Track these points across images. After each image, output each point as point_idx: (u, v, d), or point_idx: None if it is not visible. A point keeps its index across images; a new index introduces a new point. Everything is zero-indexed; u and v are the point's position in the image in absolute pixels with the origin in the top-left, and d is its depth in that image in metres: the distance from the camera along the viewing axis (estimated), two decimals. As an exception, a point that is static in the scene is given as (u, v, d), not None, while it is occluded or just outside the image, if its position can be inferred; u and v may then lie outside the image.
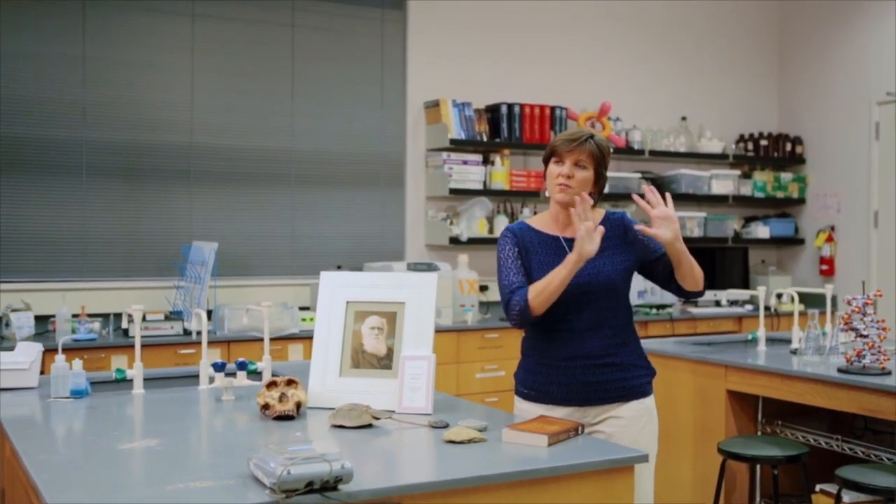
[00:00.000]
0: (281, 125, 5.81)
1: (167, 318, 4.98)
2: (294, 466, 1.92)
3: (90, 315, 4.93)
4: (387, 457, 2.48)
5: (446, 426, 2.60)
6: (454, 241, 5.97)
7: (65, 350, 3.11)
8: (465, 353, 5.58)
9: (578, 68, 6.75)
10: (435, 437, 2.52)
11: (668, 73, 7.13)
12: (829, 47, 7.18)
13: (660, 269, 3.00)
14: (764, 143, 7.26)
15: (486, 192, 6.11)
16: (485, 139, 6.13)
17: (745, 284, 6.97)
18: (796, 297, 4.63)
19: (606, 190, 3.02)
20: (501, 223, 6.05)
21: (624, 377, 2.95)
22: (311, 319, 4.99)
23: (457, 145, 6.04)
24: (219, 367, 3.12)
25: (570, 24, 6.73)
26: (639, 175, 6.65)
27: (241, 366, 3.21)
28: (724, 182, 7.00)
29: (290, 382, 2.80)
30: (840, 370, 3.83)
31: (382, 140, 6.12)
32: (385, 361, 2.93)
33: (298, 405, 2.76)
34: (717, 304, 6.70)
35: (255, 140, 5.73)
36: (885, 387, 3.57)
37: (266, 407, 2.76)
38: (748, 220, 7.33)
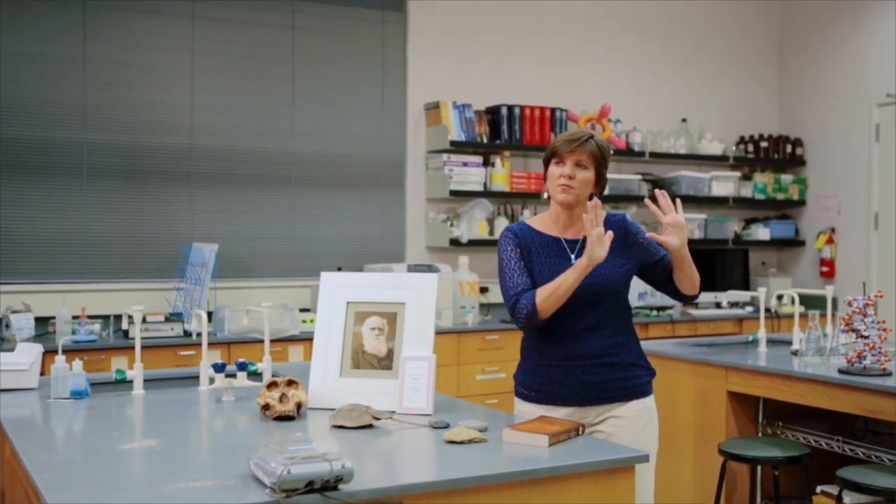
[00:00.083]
0: (281, 127, 5.81)
1: (167, 320, 4.98)
2: (294, 466, 1.92)
3: (90, 317, 4.94)
4: (387, 457, 2.48)
5: (447, 426, 2.59)
6: (454, 242, 5.97)
7: (65, 351, 3.10)
8: (466, 355, 5.58)
9: (579, 70, 6.75)
10: (435, 438, 2.51)
11: (668, 74, 7.13)
12: (830, 49, 7.18)
13: (658, 273, 3.02)
14: (764, 144, 7.26)
15: (487, 193, 6.11)
16: (485, 141, 6.13)
17: (746, 286, 6.97)
18: (797, 299, 4.63)
19: (606, 192, 3.02)
20: (502, 225, 6.05)
21: (624, 377, 2.95)
22: (312, 321, 4.99)
23: (457, 147, 6.04)
24: (219, 368, 3.12)
25: (570, 26, 6.74)
26: (639, 177, 6.65)
27: (242, 366, 3.20)
28: (724, 184, 7.00)
29: (290, 383, 2.80)
30: (841, 371, 3.83)
31: (383, 142, 6.12)
32: (385, 362, 2.93)
33: (299, 405, 2.76)
34: (718, 305, 6.70)
35: (256, 142, 5.73)
36: (886, 388, 3.57)
37: (266, 407, 2.76)
38: (748, 222, 7.32)
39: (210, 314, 5.07)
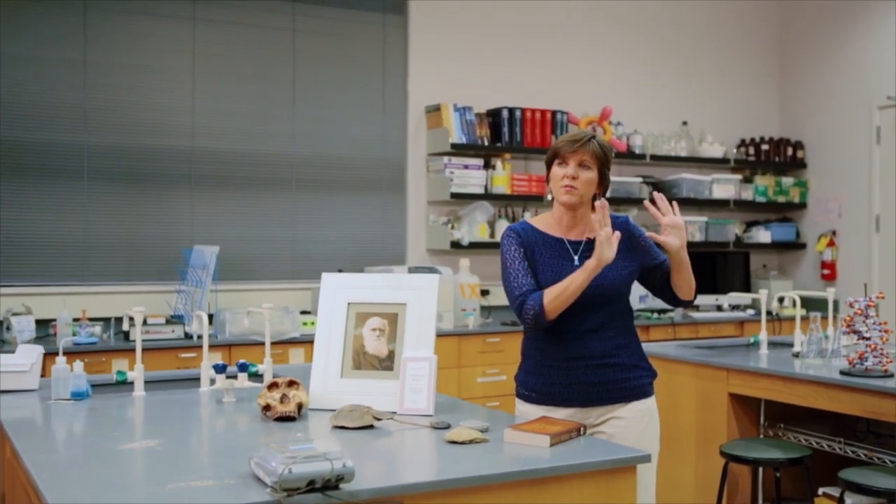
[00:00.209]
0: (282, 129, 5.81)
1: (168, 322, 4.97)
2: (295, 465, 1.91)
3: (91, 319, 4.93)
4: (388, 457, 2.47)
5: (448, 427, 2.59)
6: (455, 245, 5.97)
7: (65, 353, 3.10)
8: (467, 358, 5.57)
9: (579, 72, 6.75)
10: (436, 438, 2.51)
11: (668, 77, 7.14)
12: (830, 51, 7.18)
13: (657, 277, 3.03)
14: (765, 147, 7.26)
15: (488, 196, 6.10)
16: (486, 143, 6.13)
17: (747, 289, 6.96)
18: (798, 301, 4.62)
19: (607, 194, 3.03)
20: (502, 227, 6.03)
21: (625, 378, 2.95)
22: (312, 323, 4.98)
23: (458, 149, 6.04)
24: (220, 369, 3.11)
25: (571, 29, 6.74)
26: (640, 179, 6.65)
27: (242, 367, 3.20)
28: (725, 186, 7.00)
29: (291, 384, 2.79)
30: (842, 373, 3.82)
31: (383, 144, 6.12)
32: (386, 363, 2.92)
33: (300, 406, 2.76)
34: (719, 308, 6.69)
35: (256, 144, 5.73)
36: (888, 389, 3.56)
37: (267, 408, 2.75)
38: (749, 225, 7.32)
39: (211, 316, 5.07)
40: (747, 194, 7.11)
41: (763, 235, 7.17)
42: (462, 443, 2.42)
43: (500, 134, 6.17)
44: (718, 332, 6.36)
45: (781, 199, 7.25)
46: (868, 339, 3.79)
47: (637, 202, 6.54)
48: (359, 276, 3.14)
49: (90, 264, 5.28)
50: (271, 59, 5.81)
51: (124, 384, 3.21)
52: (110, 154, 5.34)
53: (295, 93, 5.86)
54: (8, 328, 4.75)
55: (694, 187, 6.84)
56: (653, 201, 2.94)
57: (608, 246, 2.77)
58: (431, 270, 5.55)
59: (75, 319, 4.88)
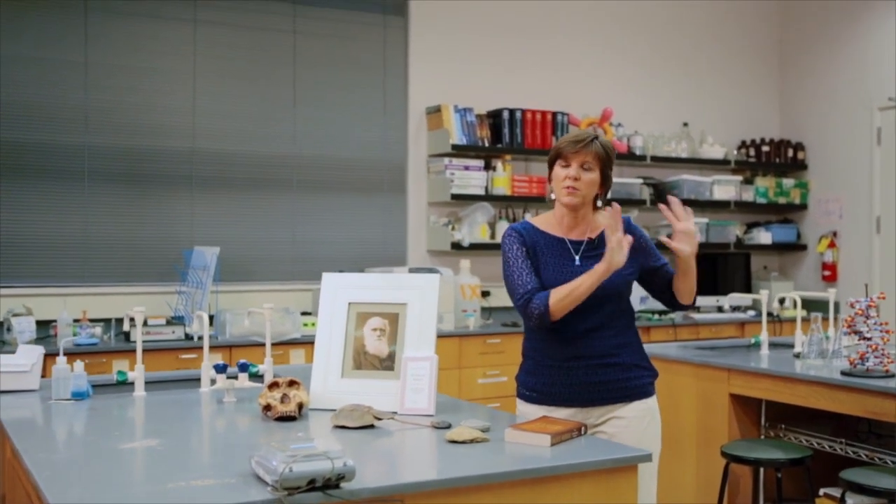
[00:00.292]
0: (283, 131, 5.81)
1: (168, 323, 4.98)
2: (296, 464, 1.91)
3: (91, 320, 4.93)
4: (389, 456, 2.47)
5: (449, 426, 2.59)
6: (456, 246, 5.97)
7: (66, 354, 3.10)
8: (467, 359, 5.57)
9: (580, 74, 6.75)
10: (437, 437, 2.51)
11: (669, 78, 7.14)
12: (831, 53, 7.18)
13: (656, 279, 3.03)
14: (765, 148, 7.26)
15: (488, 197, 6.10)
16: (486, 144, 6.13)
17: (748, 290, 6.95)
18: (799, 302, 4.62)
19: (608, 195, 3.03)
20: (503, 229, 6.01)
21: (626, 377, 2.95)
22: (313, 324, 4.98)
23: (458, 151, 6.04)
24: (220, 369, 3.11)
25: (571, 30, 6.74)
26: (640, 181, 6.64)
27: (243, 367, 3.20)
28: (725, 188, 7.00)
29: (291, 383, 2.79)
30: (843, 373, 3.82)
31: (384, 145, 6.12)
32: (387, 363, 2.92)
33: (300, 406, 2.75)
34: (720, 309, 6.68)
35: (257, 145, 5.73)
36: (889, 389, 3.56)
37: (268, 408, 2.75)
38: (750, 226, 7.32)
39: (211, 318, 5.07)
40: (748, 195, 7.11)
41: (764, 237, 7.17)
42: (463, 442, 2.42)
43: (500, 135, 6.17)
44: (719, 334, 6.35)
45: (782, 200, 7.25)
46: (869, 339, 3.79)
47: (638, 203, 6.54)
48: (359, 275, 3.14)
49: (91, 265, 5.28)
50: (272, 60, 5.81)
51: (125, 384, 3.21)
52: (111, 155, 5.34)
53: (296, 94, 5.86)
54: (8, 329, 4.75)
55: (694, 188, 6.84)
56: (658, 201, 2.93)
57: (619, 251, 2.77)
58: (432, 271, 5.55)
59: (76, 320, 4.88)
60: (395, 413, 2.76)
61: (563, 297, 2.82)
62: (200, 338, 4.10)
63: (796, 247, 7.33)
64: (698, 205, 6.86)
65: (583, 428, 2.59)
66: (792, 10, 7.53)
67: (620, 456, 2.37)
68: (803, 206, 7.33)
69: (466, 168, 6.07)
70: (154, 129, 5.46)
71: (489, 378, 5.59)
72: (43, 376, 3.32)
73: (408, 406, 2.79)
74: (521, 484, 2.21)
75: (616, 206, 2.78)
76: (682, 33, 7.21)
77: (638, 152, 6.67)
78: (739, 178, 7.12)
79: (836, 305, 4.61)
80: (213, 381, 3.17)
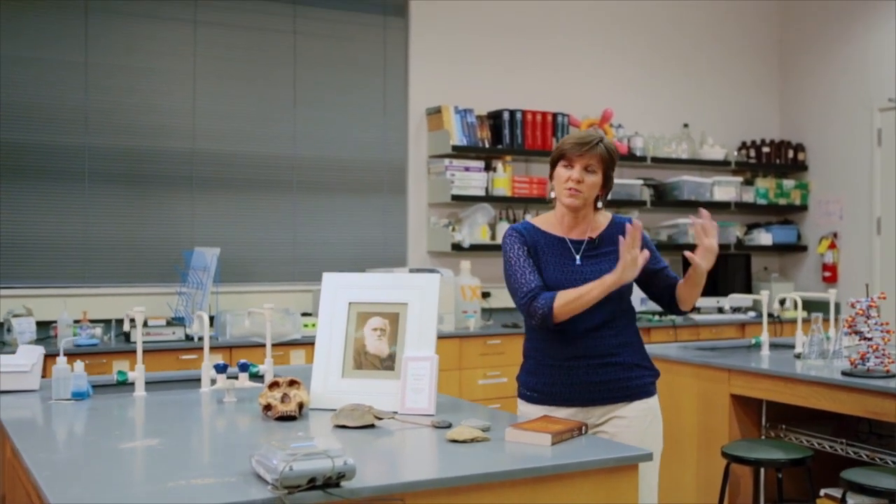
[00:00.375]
0: (283, 131, 5.81)
1: (169, 324, 4.97)
2: (296, 462, 1.91)
3: (92, 321, 4.92)
4: (389, 455, 2.47)
5: (449, 426, 2.58)
6: (456, 247, 5.97)
7: (66, 355, 3.10)
8: (468, 360, 5.56)
9: (580, 75, 6.75)
10: (438, 437, 2.51)
11: (669, 79, 7.14)
12: (831, 54, 7.18)
13: (656, 281, 3.03)
14: (766, 149, 7.26)
15: (489, 198, 6.10)
16: (487, 146, 6.13)
17: (748, 291, 6.94)
18: (800, 303, 4.62)
19: (608, 196, 3.04)
20: (503, 230, 6.00)
21: (627, 377, 2.95)
22: (313, 325, 4.98)
23: (459, 152, 6.04)
24: (221, 369, 3.11)
25: (571, 31, 6.74)
26: (641, 182, 6.64)
27: (243, 367, 3.20)
28: (726, 189, 7.00)
29: (292, 383, 2.79)
30: (844, 373, 3.82)
31: (384, 146, 6.12)
32: (387, 362, 2.92)
33: (301, 406, 2.75)
34: (720, 310, 6.68)
35: (257, 146, 5.73)
36: (890, 389, 3.55)
37: (268, 407, 2.75)
38: (750, 227, 7.32)
39: (211, 319, 5.06)
40: (748, 197, 7.11)
41: (764, 238, 7.17)
42: (463, 441, 2.42)
43: (500, 136, 6.17)
44: (719, 335, 6.34)
45: (782, 201, 7.24)
46: (870, 339, 3.79)
47: (637, 204, 6.54)
48: (360, 275, 3.13)
49: (91, 266, 5.28)
50: (272, 61, 5.81)
51: (125, 385, 3.21)
52: (111, 156, 5.34)
53: (296, 95, 5.86)
54: (9, 330, 4.75)
55: (695, 190, 6.83)
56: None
57: (632, 268, 2.77)
58: (432, 272, 5.54)
59: (76, 321, 4.87)
60: (396, 413, 2.76)
61: (569, 301, 2.82)
62: (201, 338, 4.10)
63: (797, 248, 7.33)
64: (698, 206, 6.82)
65: (583, 427, 2.59)
66: (792, 11, 7.53)
67: (621, 455, 2.37)
68: (804, 207, 7.33)
69: (467, 169, 6.06)
70: (154, 130, 5.46)
71: (489, 379, 5.58)
72: (43, 377, 3.32)
73: (408, 406, 2.79)
74: (521, 483, 2.20)
75: (637, 222, 2.78)
76: (683, 34, 7.21)
77: (638, 153, 6.67)
78: (740, 179, 7.12)
79: (837, 306, 4.61)
80: (213, 382, 3.17)
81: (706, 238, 2.86)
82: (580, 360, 2.92)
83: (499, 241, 5.98)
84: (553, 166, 2.96)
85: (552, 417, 2.70)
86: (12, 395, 3.13)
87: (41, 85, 5.19)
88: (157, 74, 5.49)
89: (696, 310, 6.54)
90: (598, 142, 2.90)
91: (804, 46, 7.42)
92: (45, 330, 4.90)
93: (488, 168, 6.16)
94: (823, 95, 7.25)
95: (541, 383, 2.98)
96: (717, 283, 6.78)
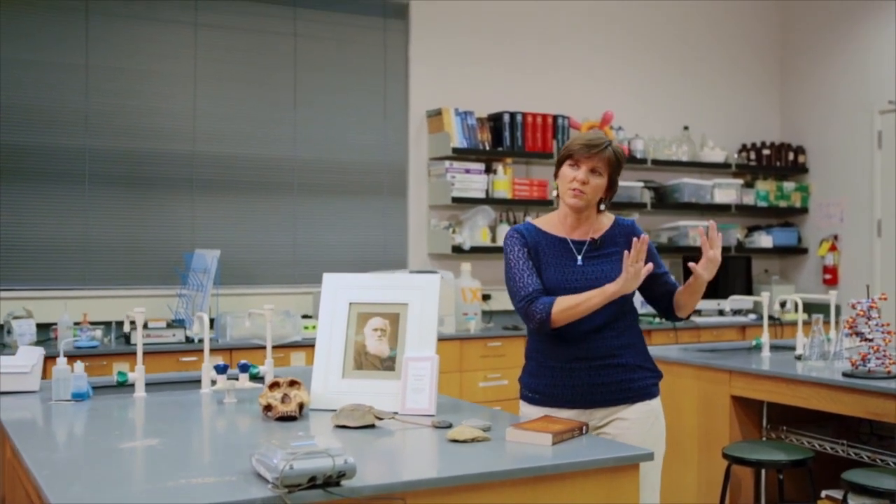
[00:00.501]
0: (283, 134, 5.81)
1: (169, 326, 4.97)
2: (297, 461, 1.91)
3: (92, 323, 4.92)
4: (390, 455, 2.46)
5: (450, 426, 2.58)
6: (457, 249, 5.96)
7: (66, 356, 3.09)
8: (468, 362, 5.56)
9: (580, 77, 6.76)
10: (438, 437, 2.50)
11: (669, 82, 7.14)
12: (831, 56, 7.18)
13: (655, 286, 3.02)
14: (766, 152, 7.26)
15: (489, 200, 6.10)
16: (487, 148, 6.13)
17: (749, 294, 6.93)
18: (800, 304, 4.62)
19: (612, 199, 3.04)
20: (504, 232, 6.00)
21: (629, 378, 2.94)
22: (314, 327, 4.96)
23: (459, 154, 6.04)
24: (221, 370, 3.10)
25: (572, 34, 6.74)
26: (641, 184, 6.64)
27: (244, 368, 3.19)
28: (726, 191, 6.99)
29: (292, 383, 2.78)
30: (845, 374, 3.81)
31: (385, 149, 6.12)
32: (388, 363, 2.92)
33: (301, 406, 2.75)
34: (721, 312, 6.67)
35: (258, 148, 5.73)
36: (891, 390, 3.55)
37: (268, 408, 2.74)
38: (751, 230, 7.31)
39: (212, 321, 5.06)
40: (749, 199, 7.10)
41: (765, 240, 7.16)
42: (464, 441, 2.41)
43: (501, 138, 6.17)
44: (720, 337, 6.34)
45: (783, 203, 7.24)
46: (871, 340, 3.78)
47: (638, 207, 6.54)
48: (360, 276, 3.12)
49: (91, 268, 5.28)
50: (272, 63, 5.81)
51: (125, 386, 3.21)
52: (112, 158, 5.34)
53: (296, 97, 5.86)
54: (9, 332, 4.75)
55: (695, 192, 6.83)
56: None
57: (635, 279, 2.77)
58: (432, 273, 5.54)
59: (76, 323, 4.87)
60: (396, 413, 2.75)
61: (568, 308, 2.82)
62: (201, 340, 4.09)
63: (797, 250, 7.33)
64: (699, 208, 6.86)
65: (584, 427, 2.59)
66: (792, 14, 7.54)
67: (622, 455, 2.37)
68: (804, 210, 7.32)
69: (467, 171, 6.06)
70: (155, 133, 5.46)
71: (490, 381, 5.58)
72: (43, 378, 3.31)
73: (409, 406, 2.79)
74: (522, 483, 2.20)
75: (645, 236, 2.79)
76: (683, 37, 7.22)
77: (639, 156, 6.67)
78: (740, 181, 7.12)
79: (838, 308, 4.61)
80: (213, 382, 3.17)
81: (711, 249, 2.86)
82: (581, 361, 2.92)
83: (499, 243, 6.00)
84: (559, 165, 2.96)
85: (553, 417, 2.70)
86: (12, 396, 3.12)
87: (42, 87, 5.19)
88: (157, 77, 5.49)
89: (696, 312, 6.53)
90: (607, 145, 2.91)
91: (804, 49, 7.43)
92: (45, 332, 4.90)
93: (489, 170, 6.16)
94: (824, 98, 7.25)
95: (542, 385, 2.98)
96: (718, 286, 6.76)
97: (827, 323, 4.47)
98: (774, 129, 7.57)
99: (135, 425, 2.80)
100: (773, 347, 4.72)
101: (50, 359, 3.58)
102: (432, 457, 2.42)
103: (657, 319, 6.29)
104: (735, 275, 7.00)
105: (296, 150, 5.84)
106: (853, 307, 3.84)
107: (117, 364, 4.61)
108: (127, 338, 4.87)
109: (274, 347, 3.35)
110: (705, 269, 2.86)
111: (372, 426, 2.62)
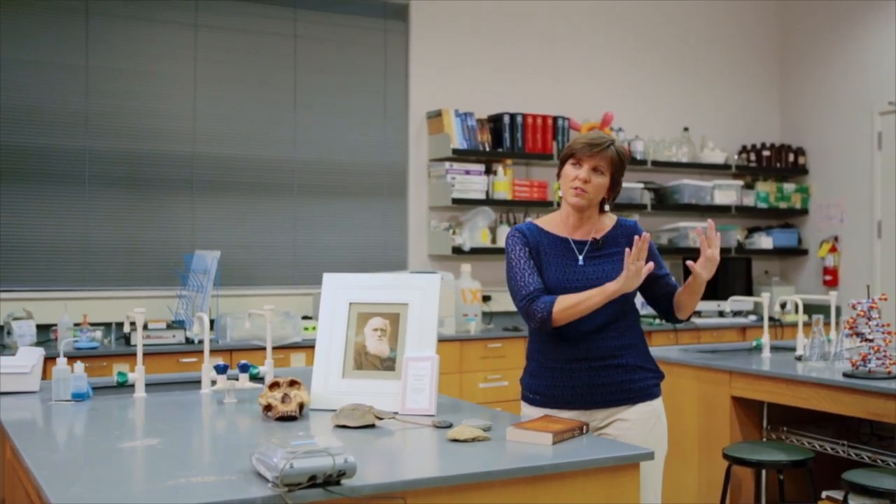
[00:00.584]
0: (283, 135, 5.81)
1: (169, 327, 4.97)
2: (297, 460, 1.90)
3: (92, 324, 4.92)
4: (390, 454, 2.46)
5: (450, 426, 2.58)
6: (457, 250, 5.96)
7: (66, 357, 3.09)
8: (468, 363, 5.55)
9: (581, 78, 6.76)
10: (439, 436, 2.50)
11: (670, 83, 7.14)
12: (831, 57, 7.19)
13: (656, 287, 3.02)
14: (766, 153, 7.26)
15: (489, 201, 6.10)
16: (487, 149, 6.13)
17: (749, 295, 6.93)
18: (800, 305, 4.61)
19: (615, 200, 3.04)
20: (504, 233, 6.03)
21: (630, 379, 2.93)
22: (314, 329, 4.97)
23: (459, 155, 6.04)
24: (221, 370, 3.10)
25: (572, 35, 6.75)
26: (641, 185, 6.64)
27: (244, 368, 3.19)
28: (726, 192, 6.99)
29: (292, 383, 2.78)
30: (845, 375, 3.81)
31: (385, 150, 6.12)
32: (388, 363, 2.91)
33: (301, 406, 2.75)
34: (721, 314, 6.67)
35: (258, 150, 5.73)
36: (891, 391, 3.55)
37: (268, 408, 2.74)
38: (751, 231, 7.31)
39: (212, 322, 5.05)
40: (749, 200, 7.10)
41: (765, 241, 7.16)
42: (464, 441, 2.41)
43: (501, 139, 6.17)
44: (720, 338, 6.34)
45: (783, 205, 7.24)
46: (871, 340, 3.78)
47: (638, 208, 6.54)
48: (360, 276, 3.12)
49: (91, 269, 5.28)
50: (272, 64, 5.81)
51: (125, 386, 3.20)
52: (112, 159, 5.35)
53: (296, 98, 5.86)
54: (9, 332, 4.75)
55: (695, 193, 6.83)
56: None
57: (635, 278, 2.77)
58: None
59: (76, 324, 4.86)
60: (397, 413, 2.75)
61: (569, 306, 2.81)
62: (201, 341, 4.09)
63: (797, 251, 7.33)
64: (699, 209, 6.86)
65: (584, 427, 2.59)
66: (792, 15, 7.54)
67: (622, 454, 2.36)
68: (804, 211, 7.32)
69: (467, 172, 6.06)
70: (155, 133, 5.46)
71: (490, 383, 5.57)
72: (43, 380, 3.31)
73: (409, 406, 2.79)
74: (522, 482, 2.20)
75: (646, 235, 2.78)
76: (683, 38, 7.22)
77: (639, 157, 6.67)
78: (740, 182, 7.12)
79: (838, 309, 4.61)
80: (213, 383, 3.16)
81: (709, 248, 2.85)
82: (581, 362, 2.91)
83: (499, 244, 6.00)
84: (562, 165, 2.95)
85: (553, 417, 2.70)
86: (12, 396, 3.12)
87: (42, 88, 5.19)
88: (157, 78, 5.49)
89: (696, 313, 6.52)
90: (610, 144, 2.90)
91: (804, 50, 7.43)
92: (45, 333, 4.89)
93: (489, 171, 6.16)
94: (824, 99, 7.25)
95: (543, 386, 2.97)
96: (718, 287, 6.77)
97: (827, 324, 4.47)
98: (774, 130, 7.57)
99: (135, 425, 2.80)
100: (774, 348, 4.72)
101: (50, 359, 3.58)
102: (433, 456, 2.42)
103: (657, 321, 6.29)
104: (735, 276, 6.99)
105: (296, 151, 5.84)
106: (853, 307, 3.84)
107: (117, 365, 4.60)
108: (127, 339, 4.87)
109: (274, 348, 3.35)
110: (704, 268, 2.86)
111: (372, 426, 2.62)
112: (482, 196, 6.08)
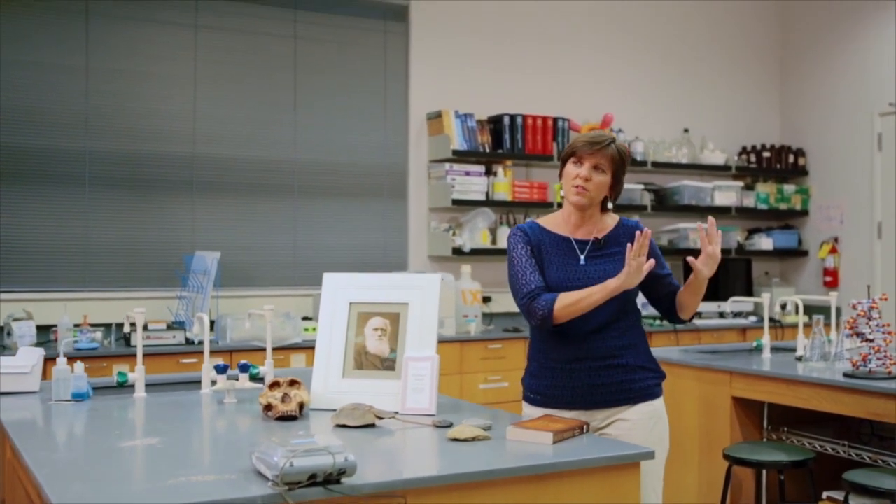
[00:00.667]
0: (283, 136, 5.82)
1: (169, 328, 4.97)
2: (297, 459, 1.90)
3: (92, 325, 4.92)
4: (390, 454, 2.46)
5: (450, 425, 2.58)
6: (457, 251, 5.96)
7: (66, 358, 3.09)
8: (468, 364, 5.55)
9: (581, 79, 6.76)
10: (439, 436, 2.50)
11: (670, 84, 7.14)
12: (831, 59, 7.19)
13: (658, 287, 3.01)
14: (766, 154, 7.26)
15: (489, 202, 6.10)
16: (487, 150, 6.13)
17: (749, 296, 6.93)
18: (801, 306, 4.61)
19: (617, 199, 3.03)
20: (504, 234, 6.03)
21: (630, 379, 2.93)
22: (314, 329, 4.97)
23: (459, 156, 6.04)
24: (221, 370, 3.10)
25: (572, 36, 6.75)
26: (641, 186, 6.64)
27: (244, 368, 3.19)
28: (726, 193, 6.99)
29: (292, 383, 2.78)
30: (846, 375, 3.81)
31: (385, 151, 6.12)
32: (388, 363, 2.91)
33: (301, 406, 2.74)
34: (721, 315, 6.67)
35: (258, 150, 5.73)
36: (892, 391, 3.55)
37: (268, 407, 2.74)
38: (751, 232, 7.31)
39: (212, 323, 5.05)
40: (749, 201, 7.10)
41: (765, 243, 7.16)
42: (465, 440, 2.41)
43: (501, 141, 6.17)
44: (721, 339, 6.34)
45: (783, 206, 7.24)
46: (871, 340, 3.78)
47: (639, 209, 6.53)
48: (360, 276, 3.11)
49: (91, 270, 5.27)
50: (272, 65, 5.81)
51: (125, 386, 3.20)
52: (112, 160, 5.35)
53: (296, 99, 5.86)
54: (9, 333, 4.74)
55: (695, 194, 6.83)
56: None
57: (637, 274, 2.76)
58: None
59: (76, 325, 4.86)
60: (397, 413, 2.75)
61: (570, 304, 2.81)
62: (201, 342, 4.09)
63: (797, 252, 7.32)
64: (699, 210, 6.85)
65: (585, 426, 2.58)
66: (792, 16, 7.54)
67: (623, 453, 2.36)
68: (804, 212, 7.32)
69: (467, 173, 6.06)
70: (155, 134, 5.46)
71: (490, 383, 5.57)
72: (43, 380, 3.31)
73: (409, 406, 2.79)
74: (523, 481, 2.20)
75: (647, 231, 2.77)
76: (683, 39, 7.22)
77: (639, 158, 6.67)
78: (740, 183, 7.12)
79: (838, 310, 4.61)
80: (213, 383, 3.16)
81: (710, 245, 2.85)
82: (582, 362, 2.91)
83: (499, 245, 6.00)
84: (563, 164, 2.95)
85: (553, 416, 2.70)
86: (12, 396, 3.12)
87: (42, 88, 5.19)
88: (157, 78, 5.49)
89: (697, 314, 6.50)
90: (611, 142, 2.90)
91: (804, 51, 7.43)
92: (45, 334, 4.89)
93: (489, 172, 6.16)
94: (824, 100, 7.25)
95: (543, 386, 2.97)
96: (719, 288, 6.77)
97: (828, 325, 4.47)
98: (775, 131, 7.58)
99: (135, 425, 2.80)
100: (774, 349, 4.72)
101: (50, 360, 3.57)
102: (433, 455, 2.42)
103: (657, 321, 6.29)
104: (735, 277, 6.99)
105: (296, 152, 5.84)
106: (854, 307, 3.84)
107: (117, 365, 4.59)
108: (127, 339, 4.87)
109: (274, 349, 3.35)
110: (705, 266, 2.86)
111: (372, 425, 2.62)
112: (482, 197, 6.08)
